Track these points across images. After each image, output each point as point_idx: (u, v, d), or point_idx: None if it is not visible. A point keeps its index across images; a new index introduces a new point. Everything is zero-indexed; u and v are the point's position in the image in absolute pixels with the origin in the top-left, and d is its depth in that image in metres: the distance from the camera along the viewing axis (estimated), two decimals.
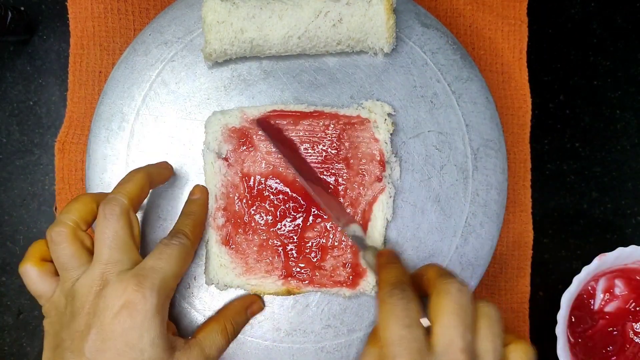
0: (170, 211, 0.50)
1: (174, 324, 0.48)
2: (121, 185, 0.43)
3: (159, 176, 0.47)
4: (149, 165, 0.47)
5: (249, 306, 0.48)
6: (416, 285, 0.40)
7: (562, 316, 0.51)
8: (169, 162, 0.49)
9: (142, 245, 0.49)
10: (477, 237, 0.50)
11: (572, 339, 0.55)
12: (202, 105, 0.51)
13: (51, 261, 0.43)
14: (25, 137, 0.59)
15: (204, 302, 0.49)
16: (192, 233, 0.45)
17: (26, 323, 0.57)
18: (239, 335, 0.49)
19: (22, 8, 0.57)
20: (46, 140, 0.58)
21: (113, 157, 0.50)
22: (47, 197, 0.58)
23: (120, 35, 0.57)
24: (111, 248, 0.41)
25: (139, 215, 0.49)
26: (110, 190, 0.50)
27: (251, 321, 0.49)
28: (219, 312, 0.48)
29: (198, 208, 0.48)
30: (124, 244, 0.41)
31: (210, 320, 0.47)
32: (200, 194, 0.48)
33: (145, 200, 0.48)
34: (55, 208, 0.56)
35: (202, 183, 0.49)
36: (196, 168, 0.50)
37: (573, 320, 0.55)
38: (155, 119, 0.51)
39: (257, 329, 0.49)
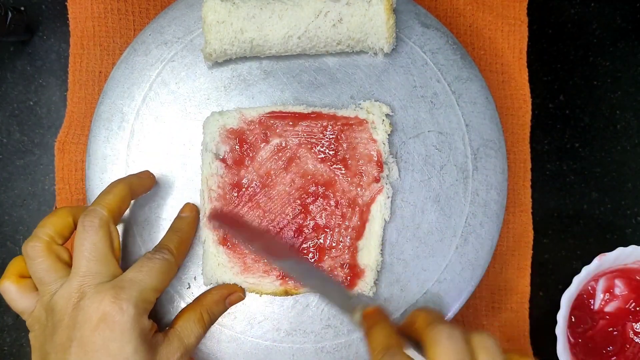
0: (171, 211, 0.50)
1: (159, 321, 0.48)
2: (101, 197, 0.43)
3: (141, 186, 0.47)
4: (130, 176, 0.47)
5: (227, 296, 0.48)
6: (408, 333, 0.39)
7: (562, 316, 0.51)
8: (151, 171, 0.49)
9: (142, 246, 0.49)
10: (477, 237, 0.50)
11: (572, 339, 0.55)
12: (202, 105, 0.51)
13: (29, 277, 0.42)
14: (25, 137, 0.59)
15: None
16: (177, 249, 0.45)
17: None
18: (239, 335, 0.49)
19: (22, 8, 0.57)
20: (46, 140, 0.58)
21: (113, 157, 0.50)
22: (47, 197, 0.58)
23: (120, 35, 0.57)
24: (89, 260, 0.40)
25: (139, 215, 0.49)
26: None
27: (251, 321, 0.49)
28: (197, 301, 0.47)
29: (186, 226, 0.48)
30: (103, 256, 0.41)
31: (187, 308, 0.47)
32: (189, 212, 0.48)
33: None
34: (55, 208, 0.56)
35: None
36: (196, 168, 0.50)
37: (573, 320, 0.55)
38: (155, 119, 0.51)
39: (257, 329, 0.49)
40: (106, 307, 0.39)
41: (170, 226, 0.48)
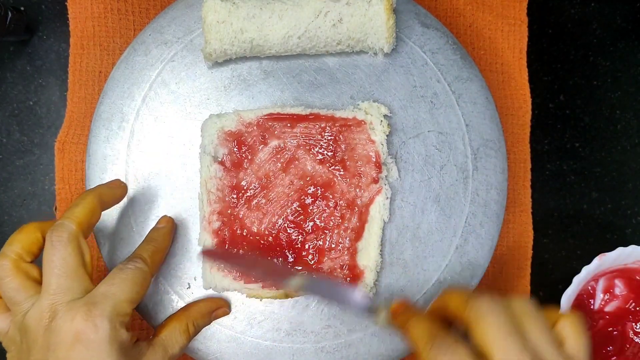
0: (171, 211, 0.50)
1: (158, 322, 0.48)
2: (69, 210, 0.41)
3: (111, 196, 0.45)
4: (99, 186, 0.46)
5: (215, 310, 0.48)
6: (442, 317, 0.39)
7: None
8: (122, 180, 0.48)
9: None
10: (477, 237, 0.50)
11: None
12: (202, 105, 0.51)
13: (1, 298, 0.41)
14: (25, 137, 0.59)
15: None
16: (151, 258, 0.44)
17: None
18: (239, 335, 0.49)
19: (22, 8, 0.57)
20: (46, 140, 0.58)
21: (113, 157, 0.50)
22: (47, 197, 0.58)
23: (120, 35, 0.57)
24: (59, 276, 0.39)
25: (140, 215, 0.49)
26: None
27: (251, 321, 0.49)
28: (183, 311, 0.47)
29: (161, 237, 0.47)
30: (73, 271, 0.39)
31: (172, 318, 0.46)
32: (165, 224, 0.48)
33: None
34: (55, 208, 0.56)
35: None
36: (196, 168, 0.50)
37: None
38: (155, 119, 0.50)
39: (257, 329, 0.49)
40: (79, 325, 0.37)
41: (145, 237, 0.47)
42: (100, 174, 0.50)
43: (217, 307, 0.48)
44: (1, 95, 0.59)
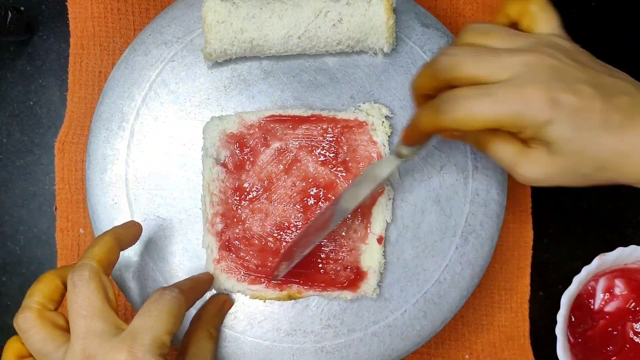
0: (170, 211, 0.50)
1: None
2: (87, 251, 0.40)
3: (128, 235, 0.44)
4: (115, 227, 0.45)
5: (221, 307, 0.48)
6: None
7: (562, 316, 0.51)
8: (137, 221, 0.46)
9: (142, 247, 0.49)
10: (477, 237, 0.50)
11: (572, 339, 0.55)
12: (202, 105, 0.51)
13: (30, 356, 0.39)
14: (25, 137, 0.59)
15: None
16: (187, 291, 0.42)
17: None
18: (239, 335, 0.49)
19: (22, 8, 0.57)
20: (46, 140, 0.58)
21: (113, 157, 0.50)
22: (47, 197, 0.58)
23: (120, 35, 0.57)
24: (86, 317, 0.37)
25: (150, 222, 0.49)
26: (109, 192, 0.50)
27: (251, 321, 0.49)
28: (195, 321, 0.47)
29: (201, 280, 0.47)
30: (100, 310, 0.37)
31: (191, 331, 0.46)
32: (205, 275, 0.48)
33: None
34: (55, 208, 0.56)
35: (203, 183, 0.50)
36: (196, 168, 0.50)
37: (573, 320, 0.55)
38: (155, 119, 0.51)
39: (257, 329, 0.49)
40: None
41: (191, 277, 0.47)
42: (100, 174, 0.50)
43: (222, 303, 0.48)
44: (1, 95, 0.59)
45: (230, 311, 0.49)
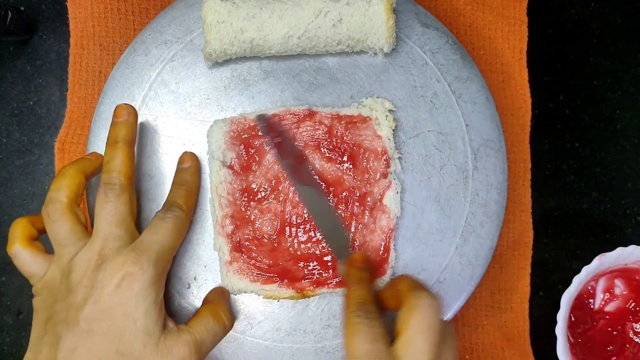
0: None
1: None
2: (111, 163, 0.44)
3: (133, 131, 0.46)
4: (117, 128, 0.46)
5: (222, 293, 0.48)
6: (391, 299, 0.42)
7: (562, 316, 0.51)
8: (123, 104, 0.47)
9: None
10: (477, 237, 0.50)
11: (572, 339, 0.55)
12: (202, 105, 0.51)
13: (37, 239, 0.44)
14: (25, 137, 0.59)
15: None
16: (186, 204, 0.46)
17: (26, 323, 0.57)
18: (239, 335, 0.49)
19: (22, 8, 0.57)
20: (46, 140, 0.58)
21: None
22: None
23: (120, 35, 0.57)
24: (111, 224, 0.42)
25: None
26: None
27: (251, 321, 0.49)
28: (206, 302, 0.47)
29: (190, 177, 0.48)
30: (123, 220, 0.42)
31: (199, 310, 0.46)
32: (190, 162, 0.48)
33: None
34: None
35: (203, 184, 0.50)
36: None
37: (573, 320, 0.55)
38: (155, 119, 0.51)
39: (257, 329, 0.49)
40: (128, 267, 0.40)
41: (174, 180, 0.48)
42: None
43: (222, 291, 0.48)
44: (1, 95, 0.59)
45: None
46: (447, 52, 0.51)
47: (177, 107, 0.51)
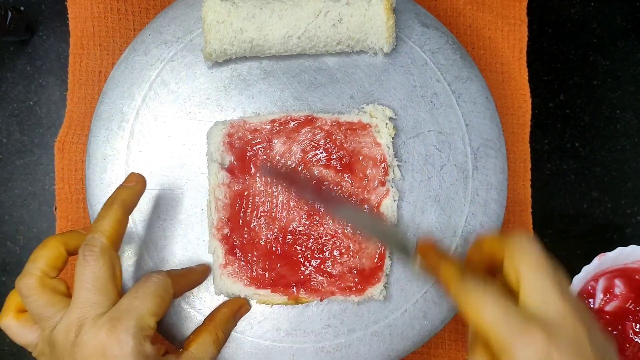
0: (170, 211, 0.50)
1: (171, 328, 0.48)
2: (98, 223, 0.41)
3: (133, 197, 0.44)
4: (121, 191, 0.44)
5: (237, 311, 0.48)
6: (481, 261, 0.41)
7: None
8: (138, 173, 0.46)
9: (142, 246, 0.49)
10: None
11: None
12: (202, 105, 0.51)
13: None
14: (25, 137, 0.59)
15: (204, 302, 0.49)
16: (176, 277, 0.43)
17: None
18: (239, 335, 0.49)
19: (22, 8, 0.57)
20: (46, 140, 0.58)
21: (113, 157, 0.50)
22: (47, 197, 0.58)
23: (120, 35, 0.57)
24: (89, 290, 0.38)
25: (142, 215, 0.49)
26: (109, 192, 0.50)
27: (251, 321, 0.49)
28: (209, 321, 0.47)
29: (194, 269, 0.48)
30: (103, 285, 0.39)
31: (200, 330, 0.46)
32: (200, 266, 0.49)
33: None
34: (55, 208, 0.56)
35: (202, 183, 0.50)
36: (195, 168, 0.50)
37: None
38: (155, 119, 0.51)
39: (257, 329, 0.49)
40: (103, 340, 0.37)
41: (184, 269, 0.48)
42: (100, 174, 0.50)
43: (239, 307, 0.48)
44: (1, 95, 0.59)
45: None
46: (447, 52, 0.51)
47: (177, 107, 0.51)
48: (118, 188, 0.44)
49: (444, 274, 0.40)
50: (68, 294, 0.41)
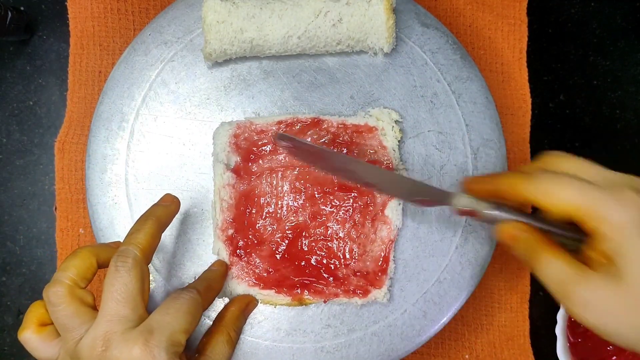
0: None
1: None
2: (132, 235, 0.41)
3: (168, 216, 0.44)
4: (156, 208, 0.44)
5: (245, 308, 0.48)
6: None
7: (562, 316, 0.51)
8: (173, 194, 0.46)
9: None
10: (477, 237, 0.50)
11: (572, 339, 0.55)
12: (202, 105, 0.51)
13: (51, 324, 0.41)
14: (25, 137, 0.59)
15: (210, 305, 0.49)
16: (204, 292, 0.43)
17: None
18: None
19: (22, 8, 0.57)
20: (46, 140, 0.58)
21: (113, 157, 0.50)
22: (47, 197, 0.58)
23: (120, 35, 0.57)
24: (118, 302, 0.38)
25: None
26: (109, 192, 0.50)
27: (251, 321, 0.49)
28: (219, 321, 0.47)
29: (215, 277, 0.47)
30: (132, 298, 0.38)
31: (212, 332, 0.46)
32: (219, 267, 0.48)
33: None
34: (55, 208, 0.56)
35: (202, 183, 0.50)
36: (196, 168, 0.50)
37: (573, 320, 0.55)
38: (155, 119, 0.51)
39: (257, 329, 0.49)
40: (136, 355, 0.36)
41: (200, 276, 0.47)
42: (100, 174, 0.50)
43: (247, 304, 0.48)
44: (1, 95, 0.59)
45: None
46: (447, 52, 0.51)
47: (177, 107, 0.51)
48: (153, 206, 0.44)
49: (507, 181, 0.38)
50: (94, 307, 0.40)
